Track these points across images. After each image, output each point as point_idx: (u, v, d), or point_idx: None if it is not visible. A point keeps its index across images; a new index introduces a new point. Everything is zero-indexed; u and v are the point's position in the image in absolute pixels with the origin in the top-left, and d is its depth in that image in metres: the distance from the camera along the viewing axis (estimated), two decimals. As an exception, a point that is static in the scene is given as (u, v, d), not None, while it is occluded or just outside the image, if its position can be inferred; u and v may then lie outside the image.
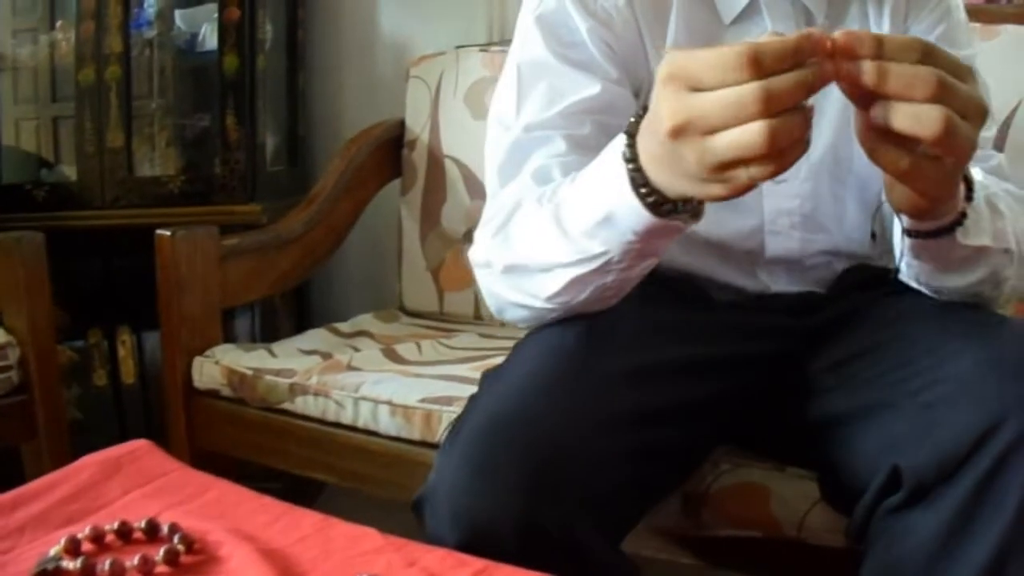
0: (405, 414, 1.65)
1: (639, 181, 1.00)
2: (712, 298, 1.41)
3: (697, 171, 0.89)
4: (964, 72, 0.87)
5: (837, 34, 0.84)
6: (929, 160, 0.89)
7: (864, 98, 0.87)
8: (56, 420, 2.06)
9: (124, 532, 1.03)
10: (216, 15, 2.54)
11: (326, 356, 1.95)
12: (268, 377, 1.85)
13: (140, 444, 1.23)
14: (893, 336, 1.23)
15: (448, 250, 2.35)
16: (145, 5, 2.61)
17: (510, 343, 1.30)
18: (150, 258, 1.97)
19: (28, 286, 2.01)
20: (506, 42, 2.40)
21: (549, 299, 1.19)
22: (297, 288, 2.63)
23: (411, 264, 2.41)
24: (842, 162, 1.37)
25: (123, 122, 2.50)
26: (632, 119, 1.00)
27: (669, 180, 0.96)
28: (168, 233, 1.96)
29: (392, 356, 1.95)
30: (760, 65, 0.82)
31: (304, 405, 1.79)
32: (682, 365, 1.23)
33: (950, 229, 1.09)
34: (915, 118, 0.84)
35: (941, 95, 0.84)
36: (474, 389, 1.21)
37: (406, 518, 1.12)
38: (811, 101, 0.85)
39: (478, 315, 2.30)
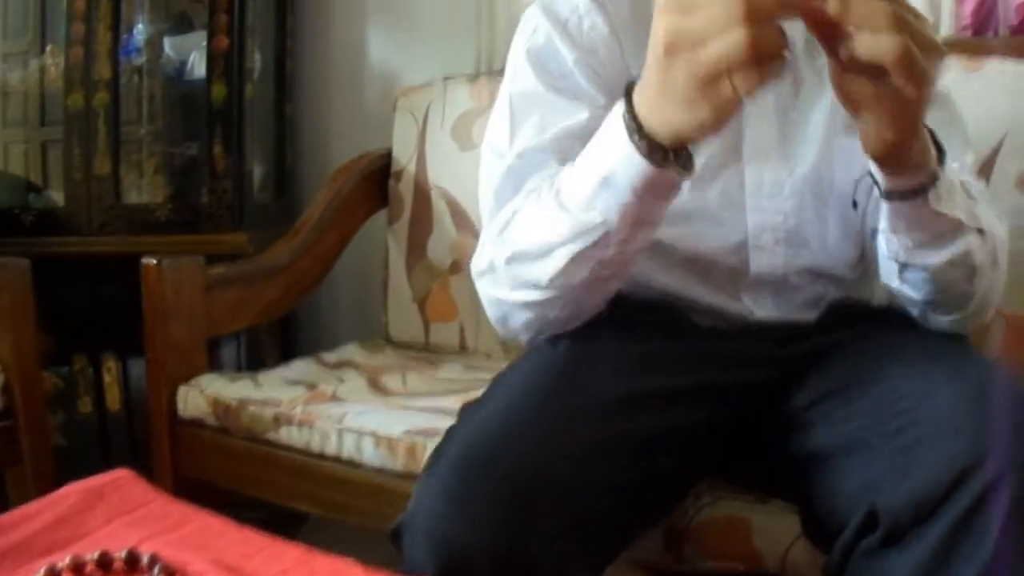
0: (389, 445, 1.65)
1: (634, 127, 1.06)
2: (694, 324, 1.41)
3: (686, 89, 0.97)
4: (918, 13, 0.99)
5: None
6: (890, 90, 0.97)
7: (831, 39, 0.98)
8: (40, 446, 2.05)
9: (104, 562, 1.02)
10: (205, 43, 2.54)
11: (311, 387, 1.94)
12: (253, 407, 1.85)
13: (122, 473, 1.23)
14: (873, 375, 1.24)
15: (434, 281, 2.35)
16: (134, 32, 2.61)
17: (496, 375, 1.30)
18: (136, 285, 1.97)
19: (13, 312, 2.01)
20: (494, 73, 2.43)
21: (550, 282, 1.21)
22: (283, 317, 2.63)
23: (397, 295, 2.41)
24: (824, 182, 1.39)
25: (111, 149, 2.50)
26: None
27: (662, 113, 1.03)
28: (154, 262, 1.95)
29: (377, 387, 1.95)
30: None
31: (288, 436, 1.79)
32: (662, 395, 1.24)
33: (923, 190, 1.14)
34: (875, 44, 0.95)
35: (898, 26, 0.94)
36: (459, 421, 1.22)
37: (390, 549, 1.12)
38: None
39: (464, 346, 2.30)
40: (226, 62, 2.52)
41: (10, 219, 2.50)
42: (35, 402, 2.04)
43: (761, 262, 1.39)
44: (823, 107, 1.39)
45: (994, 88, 1.72)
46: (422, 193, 2.38)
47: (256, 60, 2.63)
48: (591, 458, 1.11)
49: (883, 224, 1.22)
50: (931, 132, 1.12)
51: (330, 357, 2.24)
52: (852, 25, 0.95)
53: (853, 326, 1.38)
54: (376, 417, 1.72)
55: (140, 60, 2.63)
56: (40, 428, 2.06)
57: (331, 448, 1.73)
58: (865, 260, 1.42)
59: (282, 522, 1.90)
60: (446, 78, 2.46)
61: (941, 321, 1.33)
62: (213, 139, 2.53)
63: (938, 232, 1.19)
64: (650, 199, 1.12)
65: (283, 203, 2.83)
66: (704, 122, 0.99)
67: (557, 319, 1.28)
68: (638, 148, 1.06)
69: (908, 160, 1.11)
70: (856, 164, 1.29)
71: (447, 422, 1.21)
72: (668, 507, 1.33)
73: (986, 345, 1.68)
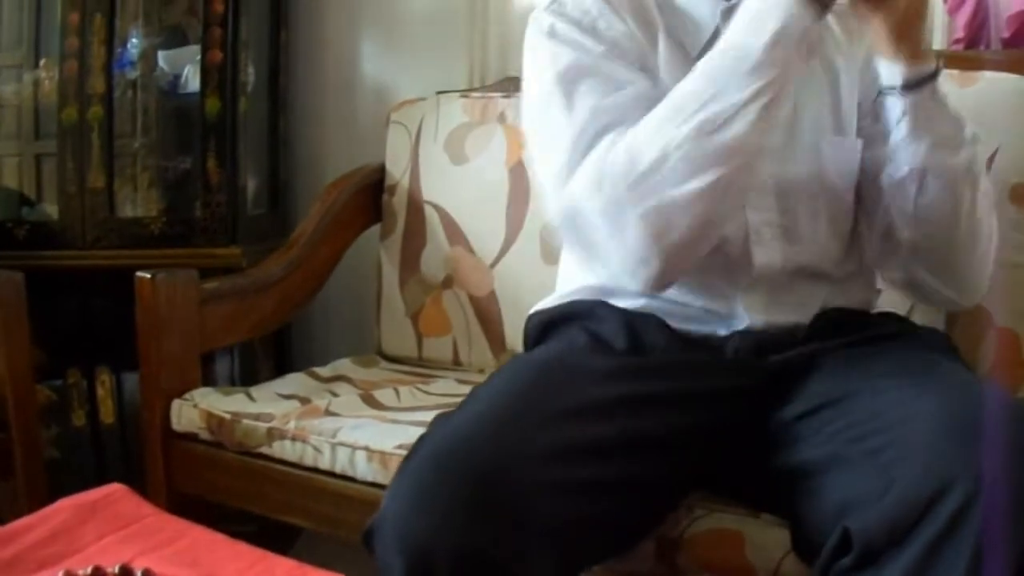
0: (382, 460, 1.65)
1: None
2: (677, 334, 1.42)
3: None
4: None
5: None
6: None
7: None
8: (33, 459, 2.05)
9: (98, 577, 1.03)
10: (199, 57, 2.54)
11: (304, 401, 1.95)
12: (246, 421, 1.85)
13: (115, 488, 1.23)
14: (857, 390, 1.25)
15: (427, 295, 2.35)
16: (128, 46, 2.60)
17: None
18: (130, 299, 1.97)
19: (7, 325, 2.01)
20: (487, 88, 2.43)
21: (739, 146, 1.25)
22: (277, 331, 2.63)
23: (390, 309, 2.41)
24: (815, 180, 1.43)
25: (105, 162, 2.49)
26: None
27: None
28: (148, 275, 1.96)
29: (370, 401, 1.96)
30: None
31: (282, 450, 1.79)
32: (639, 400, 1.25)
33: (935, 76, 1.33)
34: None
35: None
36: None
37: (382, 564, 1.13)
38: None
39: (457, 361, 2.30)
40: (220, 76, 2.52)
41: (4, 232, 2.49)
42: (28, 416, 2.04)
43: (762, 256, 1.41)
44: (813, 108, 1.44)
45: (987, 101, 1.73)
46: (415, 207, 2.38)
47: (250, 74, 2.63)
48: (558, 458, 1.13)
49: (904, 131, 1.34)
50: None
51: (323, 371, 2.23)
52: None
53: (839, 335, 1.39)
54: (369, 431, 1.72)
55: (134, 74, 2.62)
56: (33, 442, 2.06)
57: (324, 462, 1.73)
58: (852, 260, 1.47)
59: (275, 536, 1.90)
60: (439, 92, 2.46)
61: (940, 291, 1.42)
62: (207, 153, 2.53)
63: (949, 133, 1.34)
64: (803, 57, 1.26)
65: (277, 217, 2.83)
66: None
67: (692, 235, 1.28)
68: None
69: (921, 40, 1.31)
70: (844, 163, 1.41)
71: (440, 436, 1.22)
72: (659, 516, 1.34)
73: (978, 359, 1.68)
